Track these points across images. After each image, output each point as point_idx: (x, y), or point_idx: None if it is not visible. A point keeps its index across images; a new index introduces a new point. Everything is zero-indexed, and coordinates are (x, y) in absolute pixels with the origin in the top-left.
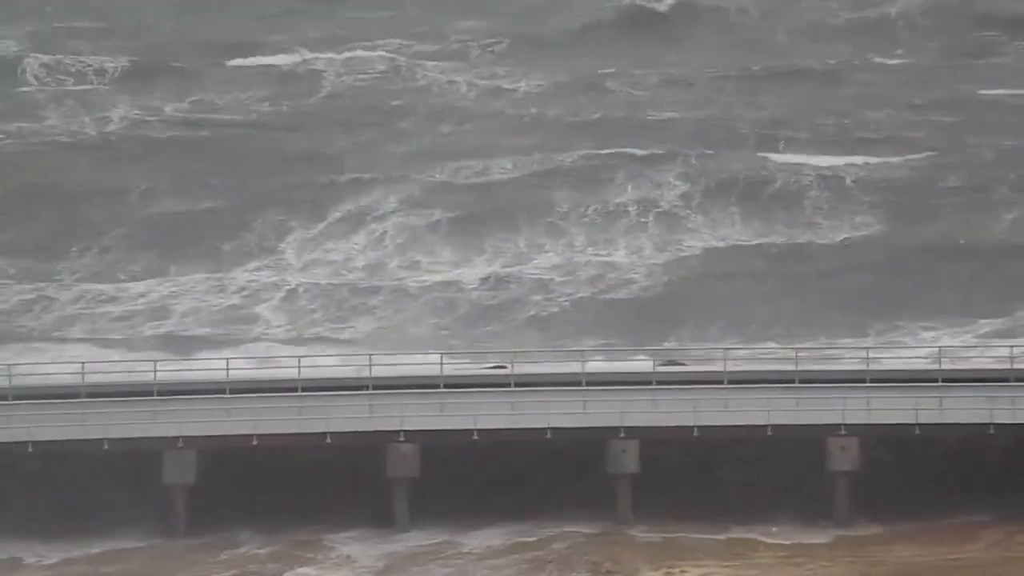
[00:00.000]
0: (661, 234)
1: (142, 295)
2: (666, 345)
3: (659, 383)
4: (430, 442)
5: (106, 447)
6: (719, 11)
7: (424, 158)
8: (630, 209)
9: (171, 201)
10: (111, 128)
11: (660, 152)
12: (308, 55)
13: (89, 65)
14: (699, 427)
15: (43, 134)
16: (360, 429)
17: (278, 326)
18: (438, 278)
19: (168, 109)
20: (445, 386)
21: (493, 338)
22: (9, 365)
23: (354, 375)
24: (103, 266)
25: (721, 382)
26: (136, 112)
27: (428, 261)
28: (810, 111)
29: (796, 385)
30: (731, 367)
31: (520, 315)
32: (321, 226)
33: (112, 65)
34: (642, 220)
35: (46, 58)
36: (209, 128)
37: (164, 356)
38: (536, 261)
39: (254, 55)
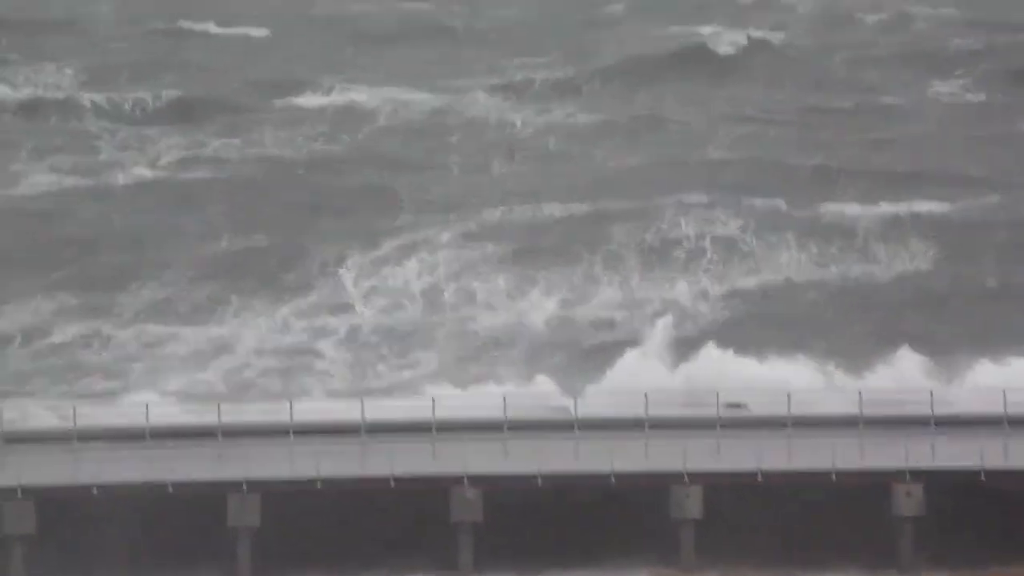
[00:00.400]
0: (718, 270)
1: (203, 334)
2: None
3: (723, 427)
4: (494, 487)
5: (170, 490)
6: (775, 48)
7: (479, 195)
8: (685, 244)
9: (228, 239)
10: (164, 163)
11: (716, 192)
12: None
13: (142, 101)
14: (763, 472)
15: (98, 172)
16: (424, 473)
17: (340, 364)
18: (499, 316)
19: (220, 146)
20: (508, 428)
21: (558, 376)
22: (73, 407)
23: (417, 417)
24: (163, 304)
25: (785, 425)
26: (188, 150)
27: (485, 296)
28: (867, 149)
29: (860, 428)
30: (795, 410)
31: (581, 354)
32: (378, 260)
33: (162, 102)
34: (698, 257)
35: (99, 96)
36: (266, 164)
37: (227, 399)
38: (596, 297)
39: (304, 94)
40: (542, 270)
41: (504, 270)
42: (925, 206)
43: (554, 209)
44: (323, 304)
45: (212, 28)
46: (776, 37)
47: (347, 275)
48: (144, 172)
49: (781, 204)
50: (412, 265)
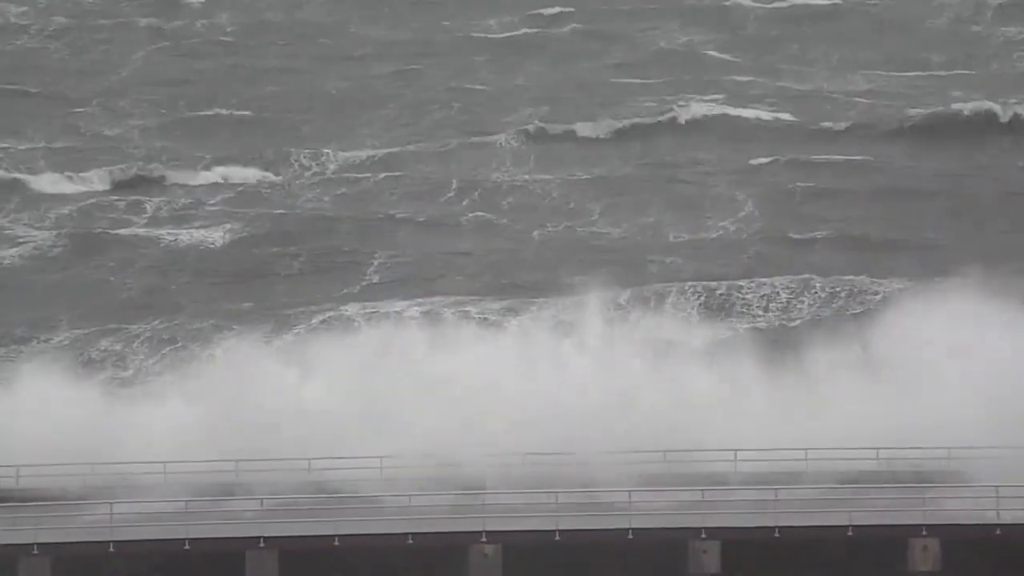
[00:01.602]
0: None
1: None
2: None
3: (740, 482)
4: (512, 542)
5: (187, 547)
6: None
7: None
8: None
9: None
10: None
11: None
12: None
13: None
14: (780, 528)
15: None
16: (442, 530)
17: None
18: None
19: None
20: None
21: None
22: (92, 465)
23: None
24: None
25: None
26: None
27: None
28: None
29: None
30: (812, 467)
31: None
32: None
33: None
34: None
35: None
36: None
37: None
38: None
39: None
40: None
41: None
42: None
43: None
44: None
45: None
46: None
47: None
48: None
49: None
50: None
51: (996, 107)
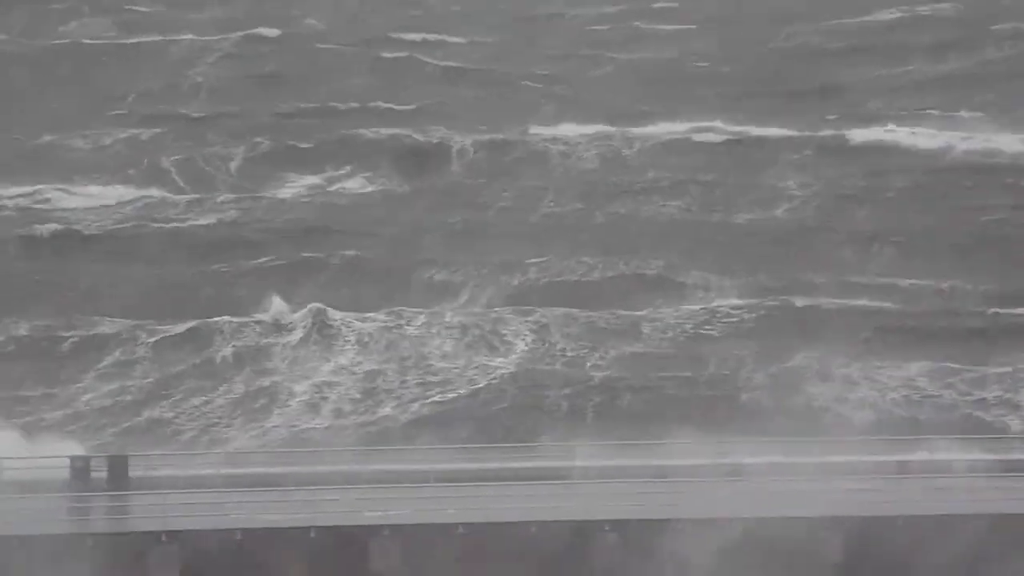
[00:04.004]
0: None
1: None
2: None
3: None
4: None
5: (312, 535)
6: None
7: None
8: None
9: None
10: None
11: None
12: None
13: None
14: None
15: None
16: (561, 518)
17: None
18: None
19: None
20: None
21: None
22: (218, 453)
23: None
24: None
25: None
26: None
27: None
28: None
29: None
30: None
31: None
32: None
33: None
34: None
35: None
36: None
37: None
38: None
39: None
40: None
41: None
42: None
43: None
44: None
45: None
46: None
47: None
48: None
49: None
50: None
51: None
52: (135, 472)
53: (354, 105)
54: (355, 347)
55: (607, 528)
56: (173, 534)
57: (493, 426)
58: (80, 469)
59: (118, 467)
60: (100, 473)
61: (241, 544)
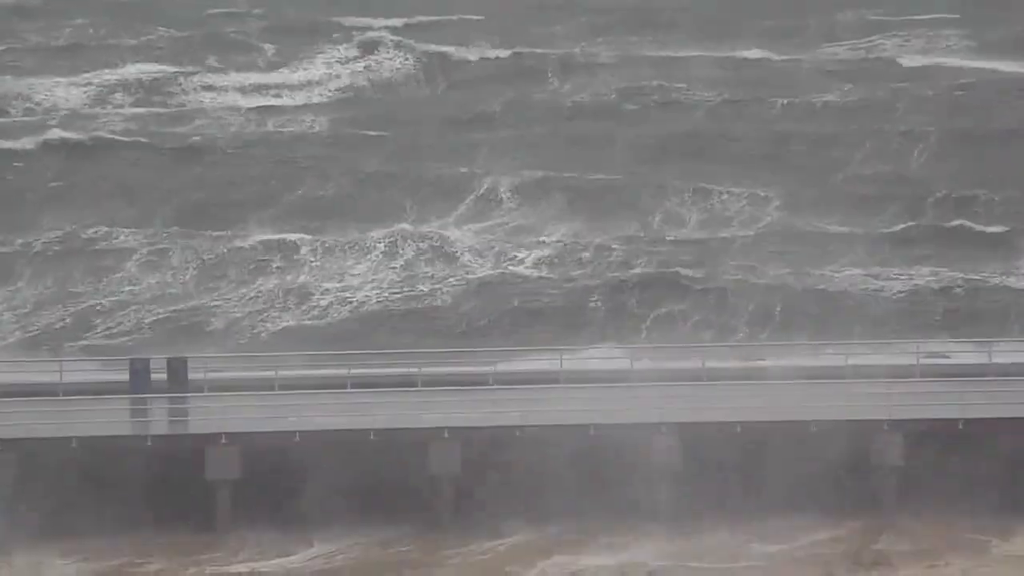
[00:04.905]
0: None
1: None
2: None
3: (923, 375)
4: (693, 433)
5: (372, 437)
6: None
7: None
8: None
9: None
10: None
11: None
12: None
13: None
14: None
15: None
16: (622, 421)
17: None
18: None
19: None
20: (707, 378)
21: None
22: (276, 357)
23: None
24: None
25: (986, 375)
26: None
27: None
28: None
29: None
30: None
31: None
32: None
33: None
34: None
35: None
36: None
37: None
38: None
39: None
40: None
41: None
42: None
43: None
44: None
45: None
46: None
47: None
48: None
49: None
50: None
51: None
52: (195, 375)
53: None
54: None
55: (663, 431)
56: (232, 436)
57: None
58: (140, 371)
59: (178, 369)
60: (160, 375)
61: (300, 446)
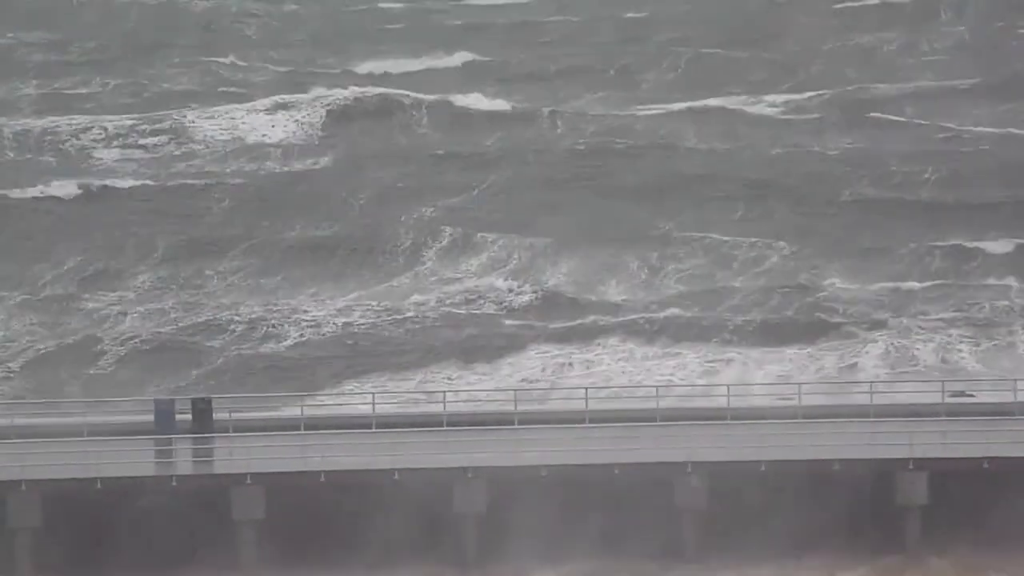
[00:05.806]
0: None
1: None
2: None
3: (948, 413)
4: (718, 472)
5: (396, 477)
6: None
7: None
8: None
9: None
10: None
11: None
12: None
13: None
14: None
15: None
16: (647, 460)
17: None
18: None
19: None
20: (731, 417)
21: None
22: (302, 397)
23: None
24: None
25: (1012, 413)
26: None
27: None
28: None
29: None
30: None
31: None
32: None
33: None
34: None
35: None
36: None
37: (452, 387)
38: None
39: None
40: None
41: None
42: None
43: None
44: None
45: None
46: None
47: None
48: None
49: None
50: None
51: None
52: (219, 415)
53: None
54: None
55: (689, 470)
56: (257, 476)
57: None
58: (165, 412)
59: (202, 410)
60: (185, 415)
61: (324, 486)
